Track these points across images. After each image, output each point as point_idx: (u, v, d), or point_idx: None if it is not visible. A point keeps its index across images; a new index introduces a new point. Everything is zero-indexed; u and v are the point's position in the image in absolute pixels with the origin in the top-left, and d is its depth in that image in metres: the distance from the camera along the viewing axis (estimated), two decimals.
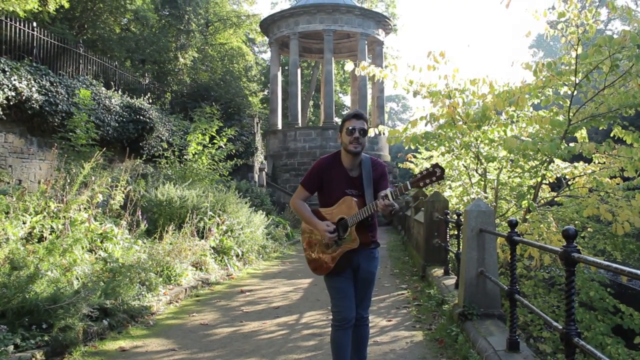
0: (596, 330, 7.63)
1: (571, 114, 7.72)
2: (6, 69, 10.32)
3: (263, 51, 42.62)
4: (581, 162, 8.46)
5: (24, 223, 7.08)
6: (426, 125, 8.92)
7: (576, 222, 8.66)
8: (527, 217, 8.10)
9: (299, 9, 27.13)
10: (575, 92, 7.74)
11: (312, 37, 28.71)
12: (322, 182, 3.85)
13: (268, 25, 28.51)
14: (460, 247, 6.90)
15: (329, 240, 3.74)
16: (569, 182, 8.62)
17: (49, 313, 5.02)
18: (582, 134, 8.36)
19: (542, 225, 7.68)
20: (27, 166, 11.40)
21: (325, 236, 3.73)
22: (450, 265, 8.88)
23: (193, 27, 25.77)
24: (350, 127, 3.68)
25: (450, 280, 8.03)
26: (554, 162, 8.17)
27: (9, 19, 12.24)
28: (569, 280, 3.07)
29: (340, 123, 3.84)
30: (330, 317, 3.97)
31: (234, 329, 6.28)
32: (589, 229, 9.08)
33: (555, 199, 9.12)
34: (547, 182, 8.88)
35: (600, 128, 8.17)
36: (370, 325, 6.42)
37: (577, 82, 7.47)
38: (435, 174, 3.41)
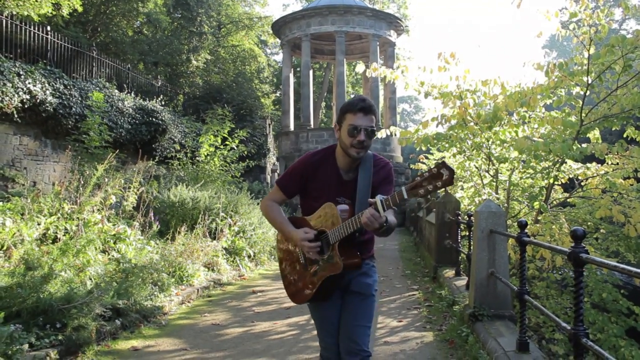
0: (609, 332, 7.57)
1: (583, 115, 7.67)
2: (21, 73, 10.46)
3: (275, 53, 42.78)
4: (594, 163, 8.40)
5: (38, 224, 7.18)
6: (437, 126, 8.90)
7: (589, 223, 8.61)
8: (539, 218, 8.06)
9: (310, 11, 27.18)
10: (588, 93, 7.69)
11: (324, 38, 28.75)
12: (305, 184, 3.00)
13: (280, 27, 28.58)
14: (471, 248, 6.89)
15: (309, 253, 2.87)
16: (582, 183, 8.57)
17: (62, 313, 5.09)
18: (594, 134, 8.30)
19: (554, 227, 7.63)
20: (41, 168, 11.54)
21: (303, 247, 2.87)
22: (461, 266, 8.87)
23: (205, 29, 25.93)
24: (353, 125, 2.79)
25: (461, 281, 8.02)
26: (566, 163, 8.12)
27: (23, 23, 12.41)
28: (578, 281, 3.07)
29: (339, 112, 2.91)
30: None
31: (245, 329, 6.32)
32: (601, 230, 9.02)
33: (568, 200, 9.06)
34: (560, 183, 8.83)
35: (614, 129, 8.11)
36: (379, 325, 6.47)
37: (590, 82, 7.42)
38: (441, 177, 2.43)
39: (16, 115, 10.50)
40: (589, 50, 7.22)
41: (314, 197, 2.99)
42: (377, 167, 2.95)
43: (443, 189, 2.50)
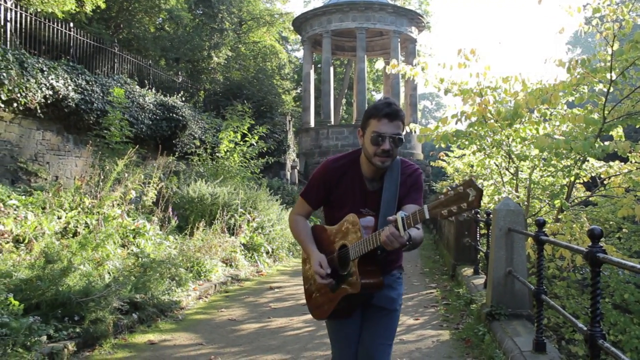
0: (631, 334, 7.44)
1: (606, 112, 7.53)
2: (44, 69, 10.60)
3: (296, 49, 42.77)
4: (617, 161, 8.25)
5: (59, 218, 7.28)
6: (457, 123, 8.82)
7: (611, 222, 8.47)
8: (560, 216, 7.95)
9: (331, 7, 27.10)
10: (611, 90, 7.55)
11: (344, 35, 28.67)
12: (329, 193, 2.79)
13: (301, 23, 28.58)
14: (489, 246, 6.83)
15: (321, 285, 2.71)
16: (604, 182, 8.43)
17: (80, 306, 5.16)
18: (618, 132, 8.14)
19: (575, 225, 7.53)
20: (63, 163, 11.70)
21: (315, 278, 2.71)
22: (480, 264, 8.79)
23: (226, 25, 26.02)
24: (377, 133, 2.55)
25: (480, 280, 7.95)
26: (588, 161, 8.00)
27: (47, 20, 12.58)
28: (595, 281, 3.02)
29: (363, 117, 2.69)
30: None
31: (261, 324, 6.34)
32: (624, 230, 8.86)
33: (590, 198, 8.93)
34: (582, 181, 8.69)
35: (638, 126, 7.95)
36: None
37: (613, 79, 7.29)
38: (467, 197, 2.12)
39: (39, 111, 10.64)
40: (612, 47, 7.09)
41: (337, 207, 2.77)
42: (404, 175, 2.70)
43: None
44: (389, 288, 2.75)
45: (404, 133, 2.63)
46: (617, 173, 8.05)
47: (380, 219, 2.58)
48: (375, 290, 2.60)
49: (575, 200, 8.93)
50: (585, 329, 3.13)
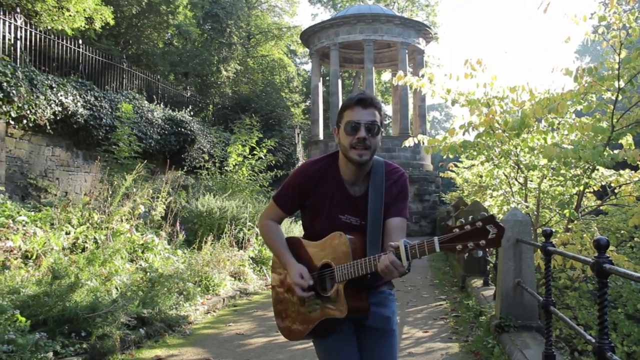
0: None
1: (615, 120, 7.48)
2: (53, 85, 10.71)
3: (304, 62, 42.96)
4: (627, 170, 8.18)
5: (67, 234, 7.31)
6: (464, 134, 8.78)
7: (622, 231, 8.37)
8: (570, 226, 7.87)
9: (339, 20, 27.23)
10: (620, 98, 7.50)
11: (352, 47, 28.74)
12: (305, 199, 2.55)
13: (308, 36, 28.69)
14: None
15: (301, 298, 2.44)
16: (615, 190, 8.35)
17: (87, 321, 5.16)
18: (627, 140, 8.07)
19: (585, 235, 7.44)
20: (73, 178, 11.78)
21: (295, 291, 2.44)
22: (490, 276, 8.72)
23: (235, 40, 26.23)
24: (352, 122, 2.36)
25: (489, 291, 7.88)
26: (597, 169, 7.92)
27: (57, 38, 12.74)
28: (602, 292, 2.97)
29: (337, 114, 2.49)
30: None
31: (269, 339, 6.30)
32: (636, 239, 8.76)
33: (601, 207, 8.83)
34: (592, 190, 8.61)
35: None
36: (404, 336, 6.37)
37: (621, 87, 7.24)
38: (486, 234, 1.97)
39: (49, 127, 10.75)
40: (619, 54, 7.05)
41: (313, 213, 2.55)
42: (390, 181, 2.48)
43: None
44: (381, 306, 2.51)
45: (383, 126, 2.45)
46: (628, 181, 7.97)
47: (369, 230, 2.39)
48: (362, 313, 2.40)
49: (586, 210, 8.84)
50: (593, 341, 3.08)
